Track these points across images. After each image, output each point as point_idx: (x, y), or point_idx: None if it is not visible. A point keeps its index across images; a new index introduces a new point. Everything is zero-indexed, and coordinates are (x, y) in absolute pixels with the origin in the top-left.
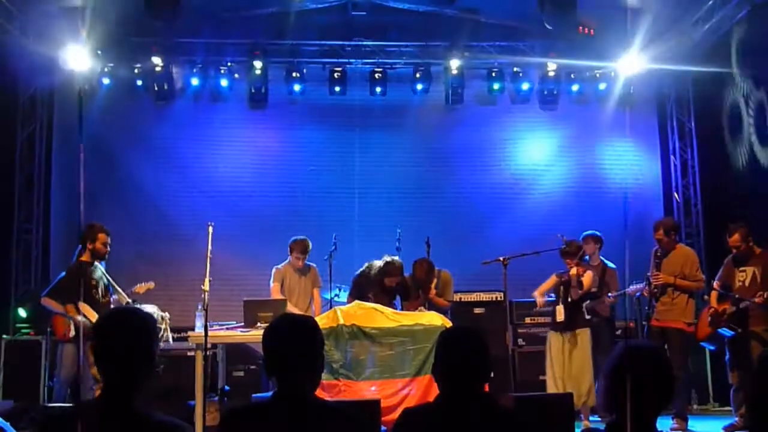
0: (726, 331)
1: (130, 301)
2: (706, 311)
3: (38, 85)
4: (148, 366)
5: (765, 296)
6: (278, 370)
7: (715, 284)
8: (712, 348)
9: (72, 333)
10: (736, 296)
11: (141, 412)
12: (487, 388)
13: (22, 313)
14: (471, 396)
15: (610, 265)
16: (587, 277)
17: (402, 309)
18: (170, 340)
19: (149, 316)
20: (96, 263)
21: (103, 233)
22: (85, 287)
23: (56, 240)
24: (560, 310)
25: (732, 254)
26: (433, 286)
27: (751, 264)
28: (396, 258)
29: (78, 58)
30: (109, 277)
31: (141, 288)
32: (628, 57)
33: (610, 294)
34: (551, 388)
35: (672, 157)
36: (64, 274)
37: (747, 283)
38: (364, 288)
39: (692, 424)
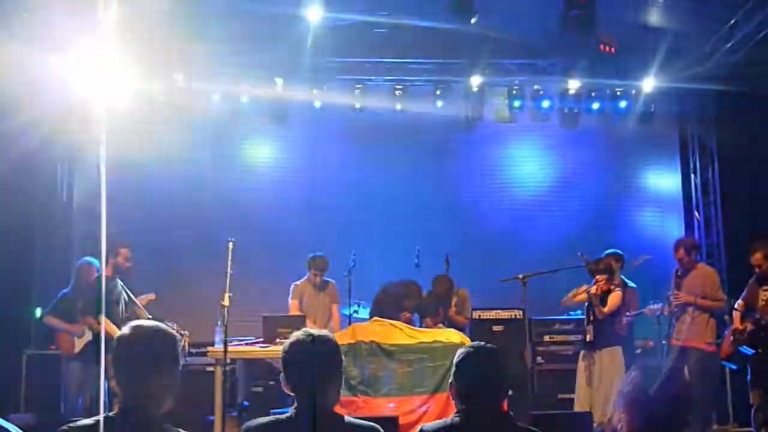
0: (747, 350)
1: (150, 317)
2: (729, 332)
3: None
4: (168, 381)
5: None
6: (297, 386)
7: (739, 304)
8: (734, 367)
9: (77, 349)
10: (757, 315)
11: (160, 427)
12: (505, 407)
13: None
14: (488, 414)
15: (631, 284)
16: (614, 297)
17: (421, 326)
18: (186, 358)
19: (170, 331)
20: (117, 279)
21: (125, 248)
22: (107, 303)
23: (79, 255)
24: (589, 329)
25: (755, 273)
26: (453, 303)
27: None
28: (414, 281)
29: (98, 71)
30: (129, 293)
31: (143, 300)
32: (649, 75)
33: (628, 313)
34: (577, 407)
35: (693, 175)
36: (66, 291)
37: None
38: (384, 307)
39: None
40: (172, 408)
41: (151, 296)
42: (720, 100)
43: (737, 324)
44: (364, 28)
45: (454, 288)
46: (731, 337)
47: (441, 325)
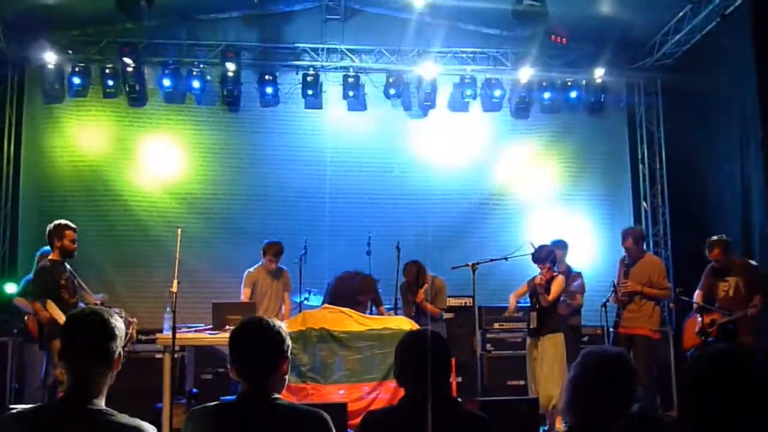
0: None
1: (98, 302)
2: (691, 321)
3: (8, 84)
4: (112, 368)
5: (758, 306)
6: (243, 372)
7: (697, 295)
8: None
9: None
10: (725, 312)
11: (105, 414)
12: (454, 393)
13: None
14: (434, 399)
15: (575, 270)
16: (556, 283)
17: (377, 311)
18: (134, 345)
19: (115, 316)
20: (65, 263)
21: (70, 230)
22: (55, 287)
23: (24, 240)
24: (533, 316)
25: (711, 266)
26: (423, 291)
27: (733, 274)
28: (370, 275)
29: (48, 56)
30: (77, 278)
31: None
32: (599, 66)
33: (563, 298)
34: (531, 393)
35: (641, 165)
36: (29, 277)
37: (731, 294)
38: (339, 299)
39: None
40: (120, 394)
41: (104, 298)
42: (668, 92)
43: (699, 320)
44: (317, 14)
45: (425, 275)
46: (696, 329)
47: (392, 312)
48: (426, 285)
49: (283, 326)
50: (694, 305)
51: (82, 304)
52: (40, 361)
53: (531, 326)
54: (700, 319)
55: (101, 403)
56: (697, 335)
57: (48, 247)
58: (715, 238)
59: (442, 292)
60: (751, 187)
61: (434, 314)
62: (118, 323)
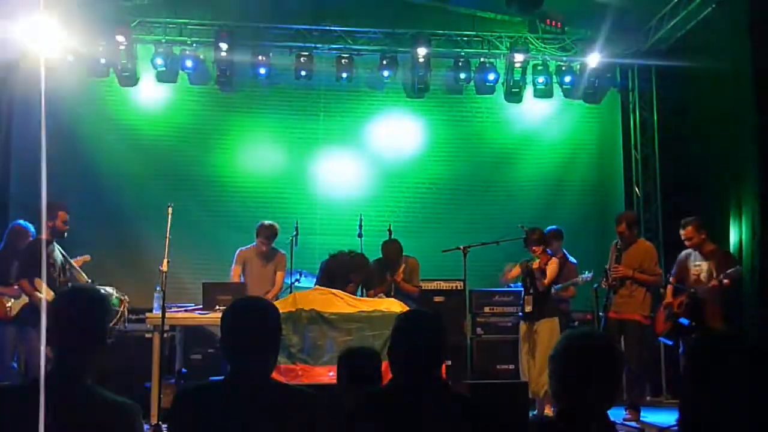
0: (684, 321)
1: (89, 280)
2: (662, 307)
3: None
4: (100, 345)
5: (718, 280)
6: (233, 351)
7: (671, 279)
8: (670, 343)
9: (13, 312)
10: (692, 290)
11: (93, 391)
12: (444, 375)
13: None
14: (425, 381)
15: (572, 259)
16: (551, 266)
17: (366, 295)
18: (126, 323)
19: (103, 294)
20: (54, 242)
21: (63, 211)
22: (44, 265)
23: (15, 218)
24: (528, 300)
25: (686, 249)
26: (401, 271)
27: (706, 258)
28: (362, 254)
29: (41, 33)
30: (67, 257)
31: (78, 261)
32: (594, 51)
33: (559, 284)
34: (523, 377)
35: (634, 151)
36: None
37: (703, 278)
38: (333, 275)
39: (645, 415)
40: (109, 372)
41: (86, 258)
42: (663, 77)
43: (669, 298)
44: None
45: (401, 252)
46: (664, 312)
47: (382, 294)
48: (402, 265)
49: (273, 305)
50: (662, 291)
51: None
52: (10, 342)
53: (525, 310)
54: (671, 300)
55: (88, 380)
56: (666, 320)
57: (21, 221)
58: (689, 217)
59: (416, 271)
60: (745, 175)
61: (413, 293)
62: (109, 300)
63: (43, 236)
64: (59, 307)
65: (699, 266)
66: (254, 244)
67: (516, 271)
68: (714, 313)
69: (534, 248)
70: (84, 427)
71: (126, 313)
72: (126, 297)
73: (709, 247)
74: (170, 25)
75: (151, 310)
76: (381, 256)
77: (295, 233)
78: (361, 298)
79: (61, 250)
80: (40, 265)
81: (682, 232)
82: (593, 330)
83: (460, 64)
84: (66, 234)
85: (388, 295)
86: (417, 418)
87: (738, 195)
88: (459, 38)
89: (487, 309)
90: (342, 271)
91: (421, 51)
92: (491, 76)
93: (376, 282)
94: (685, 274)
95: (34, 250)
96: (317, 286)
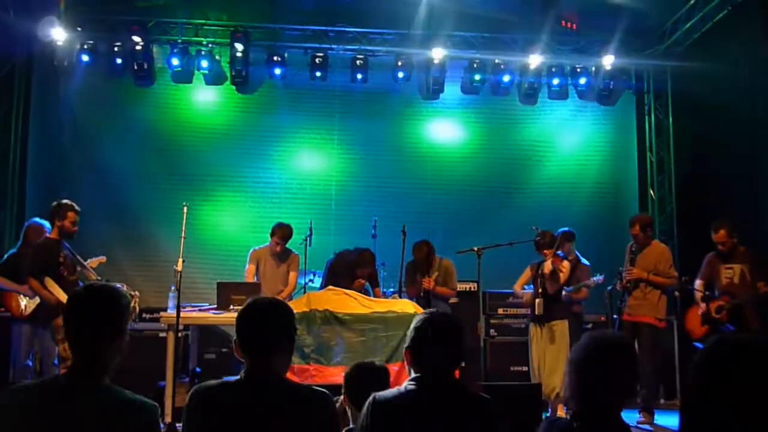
0: (730, 326)
1: (99, 278)
2: (693, 311)
3: (17, 61)
4: (119, 343)
5: (765, 289)
6: (248, 350)
7: (698, 282)
8: None
9: (27, 311)
10: (730, 296)
11: (111, 390)
12: (457, 376)
13: None
14: (441, 382)
15: (584, 261)
16: (564, 270)
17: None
18: (136, 321)
19: (121, 292)
20: (63, 241)
21: (73, 212)
22: (53, 264)
23: (31, 217)
24: (539, 302)
25: (716, 251)
26: (433, 278)
27: (737, 261)
28: (368, 249)
29: (57, 33)
30: (77, 256)
31: (93, 263)
32: (609, 52)
33: (571, 287)
34: (534, 379)
35: (648, 153)
36: (13, 251)
37: (736, 281)
38: (337, 274)
39: (658, 418)
40: (124, 371)
41: (102, 259)
42: (678, 80)
43: (702, 306)
44: None
45: (432, 253)
46: (700, 318)
47: (396, 295)
48: (435, 272)
49: (288, 305)
50: (696, 294)
51: (81, 283)
52: (26, 340)
53: (536, 312)
54: (704, 306)
55: (106, 379)
56: (703, 324)
57: (37, 219)
58: (720, 220)
59: (451, 273)
60: (761, 178)
61: (449, 295)
62: (126, 297)
63: (51, 235)
64: (78, 305)
65: (731, 269)
66: (267, 243)
67: (526, 274)
68: (752, 316)
69: (545, 251)
70: (104, 427)
71: (137, 309)
72: (137, 292)
73: (740, 249)
74: (186, 26)
75: (165, 310)
76: (412, 256)
77: (309, 233)
78: (375, 299)
79: (72, 250)
80: (47, 264)
81: (714, 235)
82: (614, 332)
83: (475, 65)
84: (75, 235)
85: (419, 298)
86: (436, 418)
87: (756, 196)
88: (474, 40)
89: (500, 311)
90: (346, 268)
91: (436, 52)
92: (506, 78)
93: (407, 283)
94: (715, 276)
95: (42, 249)
96: (330, 287)
